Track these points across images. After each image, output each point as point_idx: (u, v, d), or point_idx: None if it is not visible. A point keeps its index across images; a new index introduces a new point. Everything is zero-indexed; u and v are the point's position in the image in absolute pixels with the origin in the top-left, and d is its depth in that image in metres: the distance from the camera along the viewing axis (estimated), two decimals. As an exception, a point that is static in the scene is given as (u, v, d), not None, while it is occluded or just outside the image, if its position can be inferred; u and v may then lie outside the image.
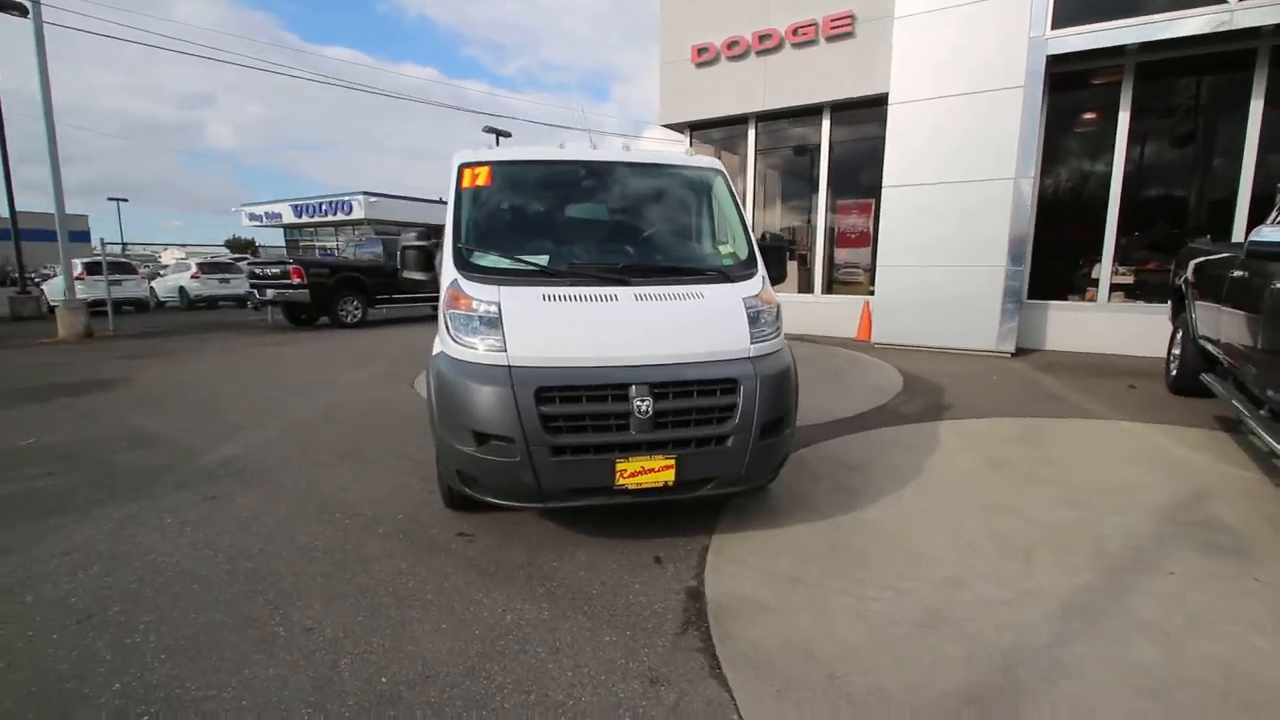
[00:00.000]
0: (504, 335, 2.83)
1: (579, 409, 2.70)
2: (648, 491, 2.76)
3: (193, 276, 17.63)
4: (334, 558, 2.91)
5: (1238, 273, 4.03)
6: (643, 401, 2.70)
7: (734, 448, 2.82)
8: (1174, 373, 5.83)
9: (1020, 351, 8.02)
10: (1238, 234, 7.25)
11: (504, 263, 3.25)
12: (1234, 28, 6.65)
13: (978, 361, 7.53)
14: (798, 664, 2.13)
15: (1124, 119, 7.73)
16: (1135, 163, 7.91)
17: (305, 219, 37.18)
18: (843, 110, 9.76)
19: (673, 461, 2.73)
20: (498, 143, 28.59)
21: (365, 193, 33.46)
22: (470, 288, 3.04)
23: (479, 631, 2.32)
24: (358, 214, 33.93)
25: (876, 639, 2.27)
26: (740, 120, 10.54)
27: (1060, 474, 3.92)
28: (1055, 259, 8.40)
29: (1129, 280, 8.03)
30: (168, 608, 2.47)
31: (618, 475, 2.70)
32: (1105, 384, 6.40)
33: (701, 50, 10.45)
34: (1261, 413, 3.65)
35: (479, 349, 2.85)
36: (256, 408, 5.80)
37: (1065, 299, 8.39)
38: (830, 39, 9.31)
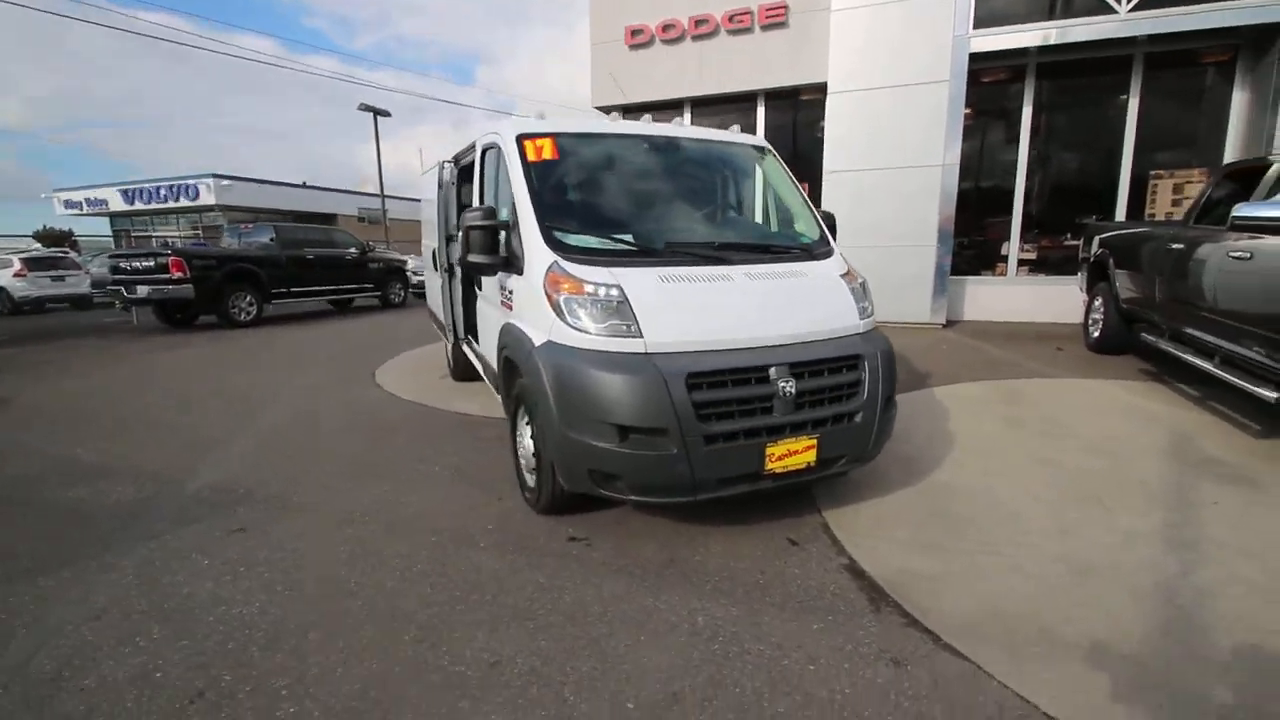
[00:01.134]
0: (636, 320, 2.64)
1: (728, 394, 2.59)
2: (791, 474, 2.72)
3: (16, 274, 14.52)
4: (452, 579, 2.57)
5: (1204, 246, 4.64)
6: (786, 382, 2.65)
7: (863, 424, 2.85)
8: (1095, 334, 6.71)
9: (949, 323, 8.85)
10: (1119, 213, 8.48)
11: (597, 242, 3.01)
12: (1115, 36, 7.70)
13: (919, 333, 8.22)
14: (1004, 623, 2.21)
15: (1027, 113, 8.71)
16: (1038, 151, 8.96)
17: (139, 206, 32.14)
18: (777, 98, 10.09)
19: (815, 441, 2.71)
20: (376, 121, 26.50)
21: (216, 176, 29.49)
22: (578, 270, 2.80)
23: (684, 639, 2.17)
24: (206, 199, 29.89)
25: (1049, 591, 2.41)
26: (675, 105, 10.55)
27: (1066, 428, 4.38)
28: (971, 238, 9.33)
29: (1033, 256, 9.12)
30: (300, 670, 2.05)
31: (767, 459, 2.63)
32: (1035, 347, 7.23)
33: (635, 32, 10.30)
34: (1215, 362, 4.29)
35: (605, 336, 2.63)
36: (211, 423, 4.95)
37: (980, 274, 9.35)
38: (765, 27, 9.56)
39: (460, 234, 3.11)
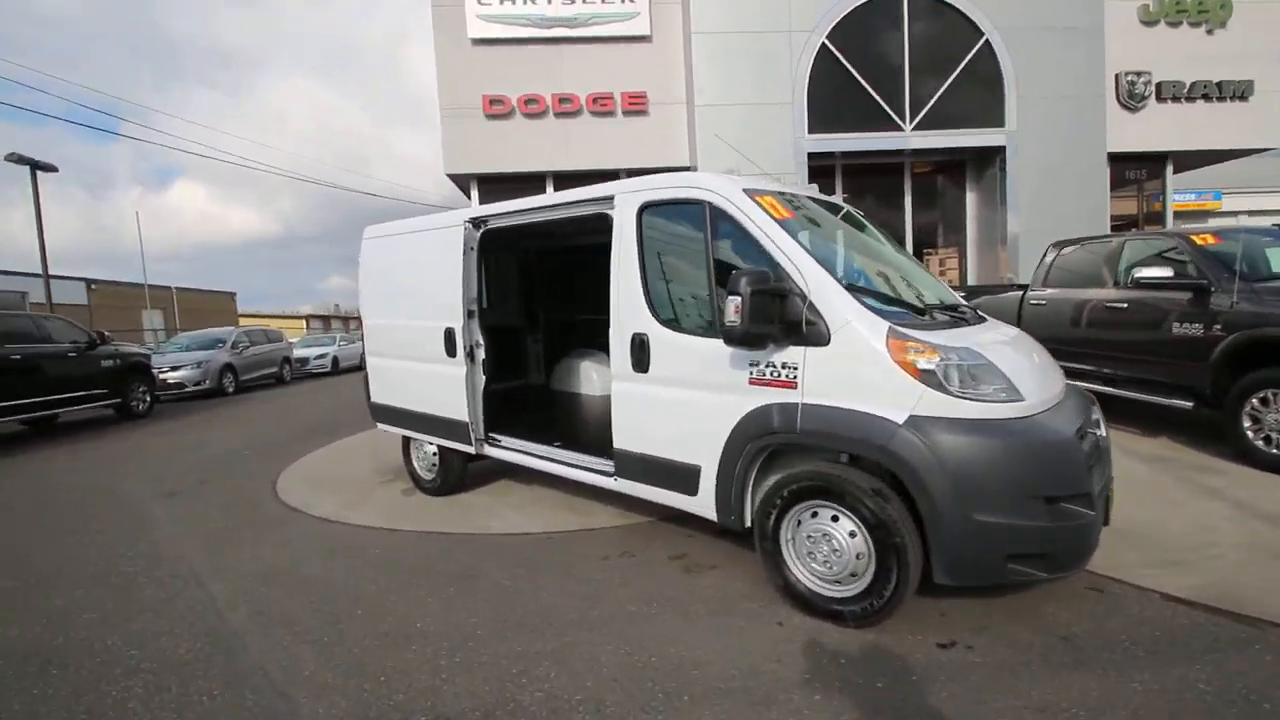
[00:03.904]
0: (1009, 381, 2.48)
1: (1088, 450, 2.58)
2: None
3: None
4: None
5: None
6: (1100, 431, 2.76)
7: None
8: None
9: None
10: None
11: (892, 305, 2.77)
12: (888, 148, 10.07)
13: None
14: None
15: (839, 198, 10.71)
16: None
17: None
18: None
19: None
20: (34, 176, 20.31)
21: None
22: (922, 334, 2.55)
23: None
24: None
25: (1309, 577, 2.88)
26: (537, 178, 10.27)
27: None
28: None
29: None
30: None
31: (1110, 512, 2.67)
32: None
33: (495, 102, 9.85)
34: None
35: (992, 402, 2.42)
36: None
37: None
38: (628, 113, 10.06)
39: (734, 300, 2.54)
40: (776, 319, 2.63)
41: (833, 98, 9.84)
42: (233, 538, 4.19)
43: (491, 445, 4.29)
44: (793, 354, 2.68)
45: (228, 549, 3.99)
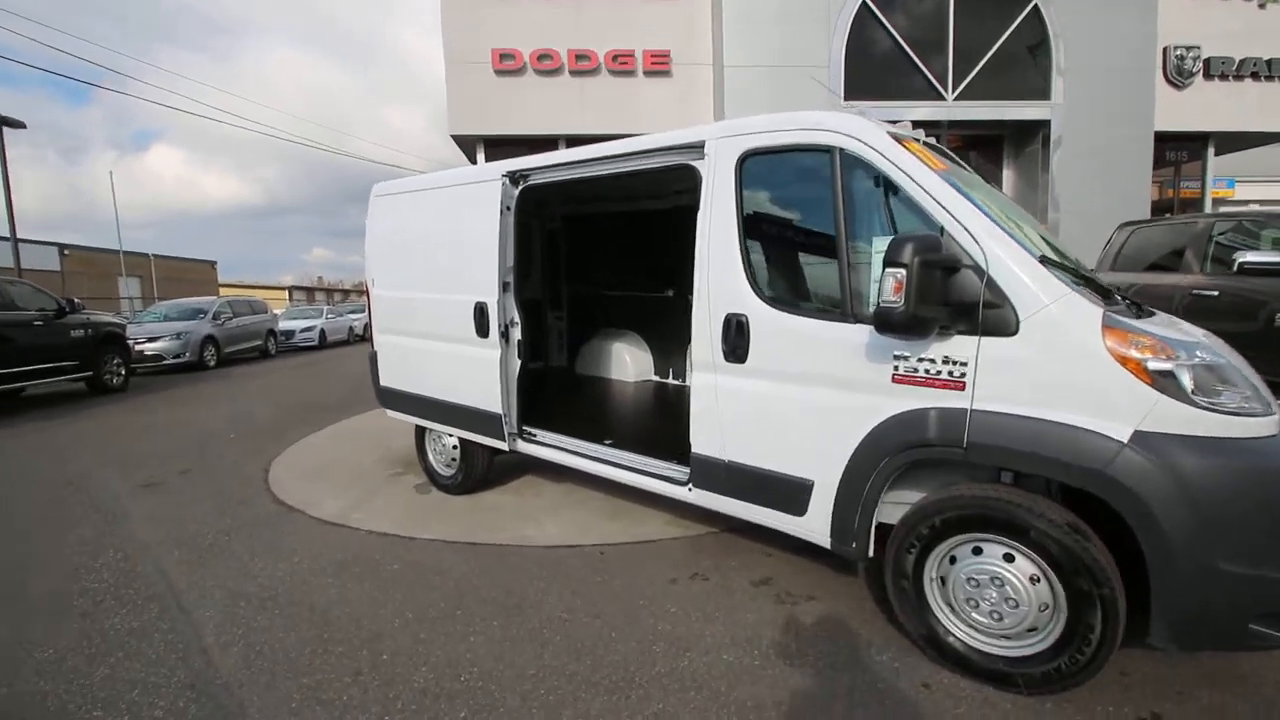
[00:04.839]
0: (1256, 389, 1.91)
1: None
2: None
3: None
4: None
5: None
6: None
7: None
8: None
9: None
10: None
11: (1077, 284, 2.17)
12: (929, 119, 9.39)
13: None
14: None
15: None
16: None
17: None
18: (660, 144, 9.83)
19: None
20: (0, 133, 19.08)
21: None
22: (1144, 324, 1.97)
23: None
24: None
25: None
26: (549, 141, 9.47)
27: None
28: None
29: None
30: None
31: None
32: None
33: (505, 56, 9.02)
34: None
35: (1244, 416, 1.85)
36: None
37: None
38: (649, 73, 9.28)
39: (894, 274, 1.92)
40: (941, 299, 2.02)
41: (872, 62, 9.12)
42: (220, 545, 3.55)
43: (526, 440, 3.67)
44: (959, 346, 2.07)
45: (215, 560, 3.35)
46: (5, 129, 17.54)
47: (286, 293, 52.65)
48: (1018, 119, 9.52)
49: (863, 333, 2.23)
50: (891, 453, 2.21)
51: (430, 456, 4.36)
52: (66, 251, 28.11)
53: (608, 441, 3.46)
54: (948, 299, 2.04)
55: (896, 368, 2.18)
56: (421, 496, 4.26)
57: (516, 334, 3.57)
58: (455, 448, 4.11)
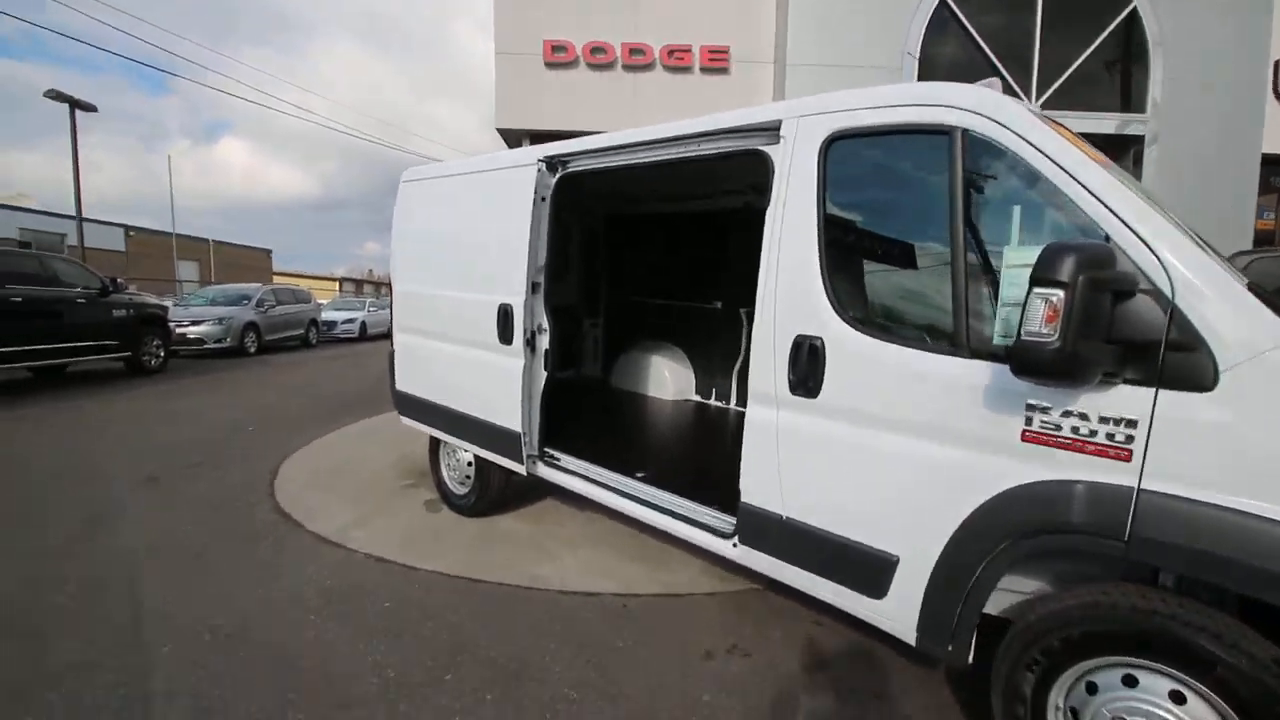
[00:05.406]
0: None
1: None
2: None
3: None
4: None
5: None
6: None
7: None
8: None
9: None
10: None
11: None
12: None
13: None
14: None
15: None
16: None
17: None
18: (712, 146, 9.35)
19: None
20: (73, 115, 19.77)
21: None
22: None
23: None
24: None
25: None
26: (597, 139, 9.11)
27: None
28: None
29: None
30: None
31: None
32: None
33: (557, 48, 8.69)
34: None
35: None
36: None
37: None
38: (706, 70, 8.81)
39: (1048, 296, 1.38)
40: (1105, 334, 1.47)
41: (949, 65, 8.43)
42: (206, 559, 3.20)
43: (548, 464, 3.21)
44: (1127, 400, 1.51)
45: (196, 578, 2.99)
46: (77, 111, 18.22)
47: (337, 284, 54.01)
48: (1107, 132, 8.67)
49: (982, 371, 1.69)
50: (1015, 535, 1.65)
51: (444, 471, 3.95)
52: (131, 233, 29.25)
53: (640, 475, 2.98)
54: (1114, 334, 1.49)
55: (1029, 421, 1.63)
56: (431, 515, 3.85)
57: (544, 342, 3.13)
58: (470, 464, 3.69)
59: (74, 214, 18.92)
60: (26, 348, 7.65)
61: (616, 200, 5.16)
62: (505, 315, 3.10)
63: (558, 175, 3.07)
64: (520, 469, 3.20)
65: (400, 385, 4.02)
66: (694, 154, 2.54)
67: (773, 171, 2.20)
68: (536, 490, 4.10)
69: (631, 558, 3.27)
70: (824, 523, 2.07)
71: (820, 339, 2.01)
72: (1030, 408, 1.63)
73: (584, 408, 4.65)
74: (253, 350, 12.99)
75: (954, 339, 1.75)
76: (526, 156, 3.08)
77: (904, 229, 2.01)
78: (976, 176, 1.75)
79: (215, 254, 35.86)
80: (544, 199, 3.06)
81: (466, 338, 3.36)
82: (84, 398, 7.51)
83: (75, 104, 18.34)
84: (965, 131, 1.76)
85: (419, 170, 3.86)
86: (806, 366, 2.04)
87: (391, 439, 5.53)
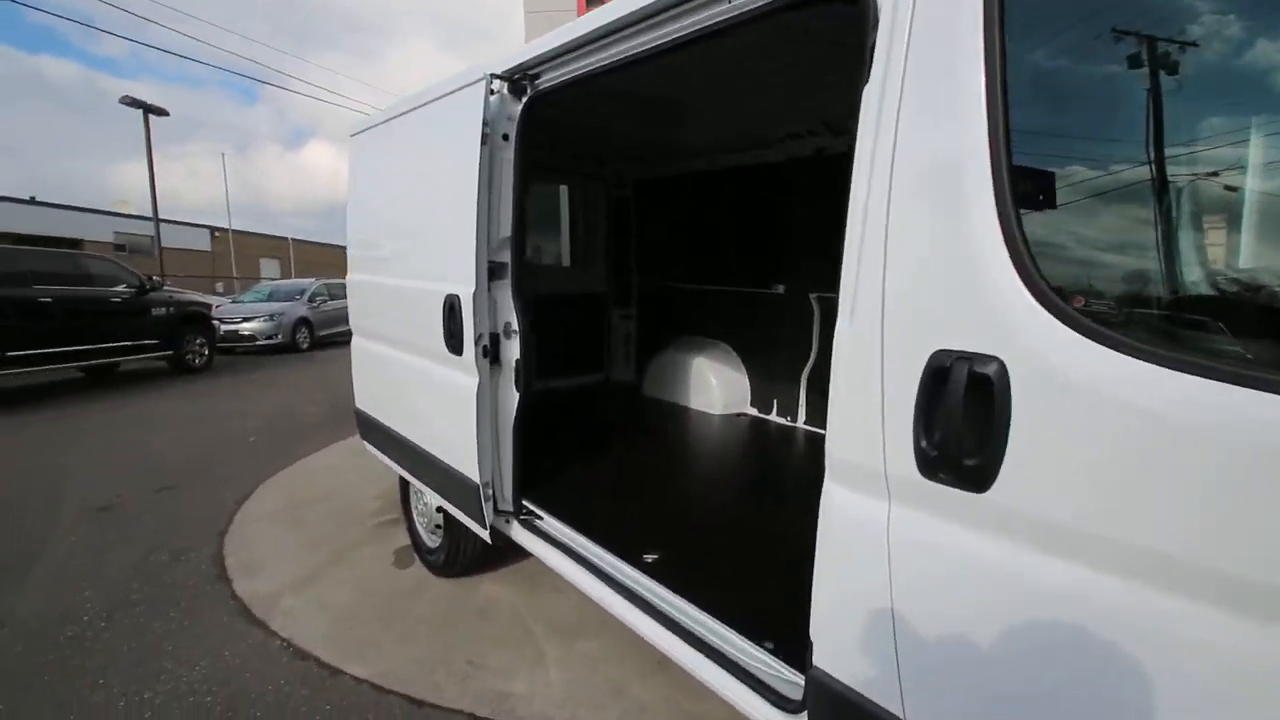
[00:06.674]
0: None
1: None
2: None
3: None
4: None
5: None
6: None
7: None
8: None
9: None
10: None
11: None
12: None
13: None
14: None
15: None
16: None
17: None
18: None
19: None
20: (146, 120, 20.35)
21: None
22: None
23: None
24: None
25: None
26: (643, 104, 8.02)
27: None
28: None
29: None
30: None
31: None
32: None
33: (592, 1, 7.64)
34: None
35: None
36: None
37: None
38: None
39: None
40: None
41: None
42: (92, 633, 2.42)
43: (524, 525, 2.20)
44: None
45: (65, 662, 2.23)
46: (151, 116, 18.82)
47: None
48: None
49: None
50: None
51: (414, 515, 3.03)
52: (217, 234, 30.68)
53: (650, 556, 1.91)
54: None
55: None
56: (396, 572, 2.95)
57: (513, 350, 2.10)
58: (439, 510, 2.74)
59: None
60: (57, 349, 7.43)
61: (645, 156, 4.07)
62: (452, 312, 2.09)
63: (525, 98, 2.02)
64: (481, 531, 2.20)
65: (359, 402, 3.13)
66: (738, 12, 1.41)
67: (874, 22, 1.05)
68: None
69: (644, 671, 2.22)
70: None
71: (999, 360, 0.87)
72: None
73: (599, 428, 3.63)
74: (305, 346, 12.78)
75: None
76: (473, 73, 2.04)
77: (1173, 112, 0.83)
78: None
79: (296, 252, 37.30)
80: (506, 137, 2.03)
81: (413, 342, 2.40)
82: (105, 400, 7.20)
83: (148, 109, 18.96)
84: None
85: (368, 118, 2.90)
86: (961, 420, 0.91)
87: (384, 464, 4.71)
